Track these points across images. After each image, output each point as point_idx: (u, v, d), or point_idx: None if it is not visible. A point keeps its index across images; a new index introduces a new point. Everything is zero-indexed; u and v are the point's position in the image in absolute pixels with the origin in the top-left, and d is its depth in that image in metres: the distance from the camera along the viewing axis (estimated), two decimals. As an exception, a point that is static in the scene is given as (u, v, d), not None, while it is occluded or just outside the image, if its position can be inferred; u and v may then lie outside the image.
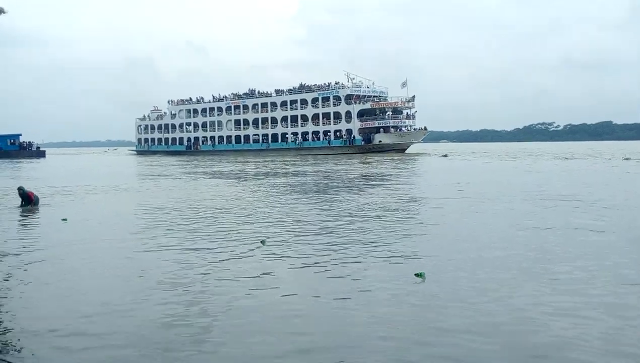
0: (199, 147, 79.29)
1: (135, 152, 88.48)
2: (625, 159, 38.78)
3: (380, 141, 61.98)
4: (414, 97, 63.43)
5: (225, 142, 77.17)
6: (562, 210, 12.72)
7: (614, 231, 9.97)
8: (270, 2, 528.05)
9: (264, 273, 7.22)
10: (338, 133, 65.44)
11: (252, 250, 8.72)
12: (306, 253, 8.46)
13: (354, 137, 63.39)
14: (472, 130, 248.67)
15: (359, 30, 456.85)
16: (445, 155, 51.31)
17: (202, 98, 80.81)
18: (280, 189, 20.02)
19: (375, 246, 8.89)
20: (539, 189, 17.94)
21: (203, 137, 79.76)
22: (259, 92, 74.73)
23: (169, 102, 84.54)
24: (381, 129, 62.25)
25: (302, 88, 70.09)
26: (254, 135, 73.86)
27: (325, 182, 23.74)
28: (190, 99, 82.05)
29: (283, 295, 6.25)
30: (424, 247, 8.74)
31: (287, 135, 70.33)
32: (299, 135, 68.94)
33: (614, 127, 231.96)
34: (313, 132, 67.69)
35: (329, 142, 65.73)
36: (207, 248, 8.90)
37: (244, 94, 75.99)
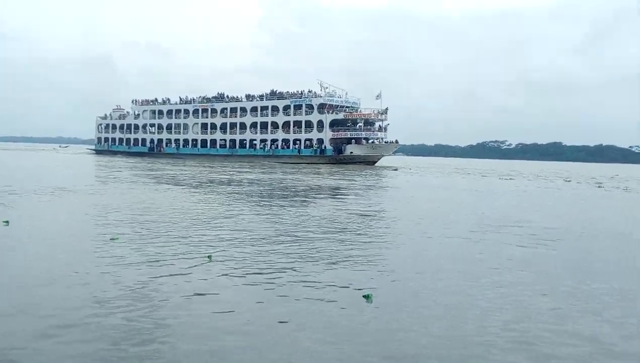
0: (162, 149, 76.08)
1: (94, 151, 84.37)
2: (566, 180, 39.41)
3: (351, 152, 60.41)
4: (387, 109, 62.22)
5: (190, 146, 74.23)
6: (495, 236, 12.47)
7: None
8: (235, 7, 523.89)
9: (203, 293, 6.90)
10: (309, 142, 63.53)
11: (196, 266, 8.30)
12: (251, 270, 8.21)
13: (325, 147, 61.50)
14: (427, 144, 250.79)
15: (325, 41, 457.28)
16: (395, 169, 52.61)
17: (168, 99, 77.65)
18: (235, 198, 19.47)
19: (323, 264, 8.78)
20: (477, 211, 17.99)
21: (167, 139, 76.59)
22: (228, 97, 72.06)
23: (132, 101, 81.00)
24: (353, 140, 60.69)
25: (274, 94, 67.95)
26: (221, 140, 71.16)
27: (284, 192, 23.00)
28: (156, 99, 78.76)
29: (217, 312, 6.13)
30: (371, 269, 8.61)
31: (255, 142, 67.94)
32: (268, 142, 66.69)
33: (564, 148, 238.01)
34: (283, 140, 65.59)
35: (298, 151, 63.75)
36: (148, 262, 8.45)
37: (213, 97, 73.25)
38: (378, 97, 61.53)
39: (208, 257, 8.83)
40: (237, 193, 21.61)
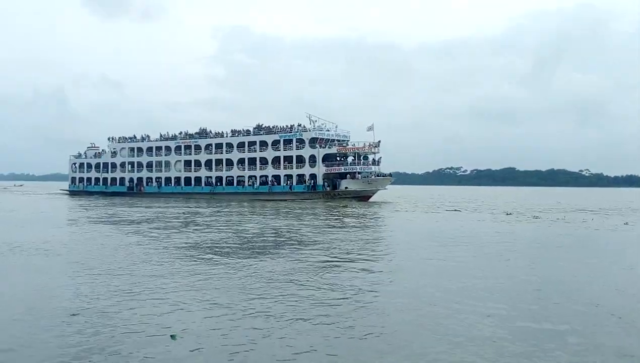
0: (142, 188, 70.98)
1: (68, 192, 78.33)
2: (507, 214, 38.93)
3: (346, 187, 57.19)
4: (379, 142, 59.35)
5: (173, 184, 69.48)
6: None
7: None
8: (189, 41, 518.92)
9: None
10: (300, 178, 59.84)
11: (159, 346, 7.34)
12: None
13: (318, 182, 57.98)
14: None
15: (276, 73, 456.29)
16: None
17: (147, 136, 73.05)
18: (214, 248, 17.68)
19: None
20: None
21: (147, 177, 71.55)
22: (211, 132, 68.03)
23: (109, 139, 75.78)
24: (348, 175, 57.43)
25: (261, 129, 64.29)
26: (206, 177, 66.68)
27: (272, 238, 21.36)
28: (135, 136, 73.94)
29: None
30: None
31: (243, 179, 63.87)
32: (257, 179, 62.74)
33: (517, 173, 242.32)
34: (273, 176, 61.71)
35: (290, 187, 59.96)
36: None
37: (195, 133, 69.02)
38: (370, 128, 58.70)
39: (171, 336, 7.77)
40: (219, 241, 19.37)
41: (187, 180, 68.14)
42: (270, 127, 63.88)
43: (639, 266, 15.65)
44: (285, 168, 60.98)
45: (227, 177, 65.29)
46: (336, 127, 62.23)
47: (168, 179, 69.88)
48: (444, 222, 31.25)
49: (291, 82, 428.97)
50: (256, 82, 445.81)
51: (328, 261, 15.11)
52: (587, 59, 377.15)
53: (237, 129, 66.42)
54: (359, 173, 57.79)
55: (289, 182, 60.64)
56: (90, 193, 73.33)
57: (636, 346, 7.88)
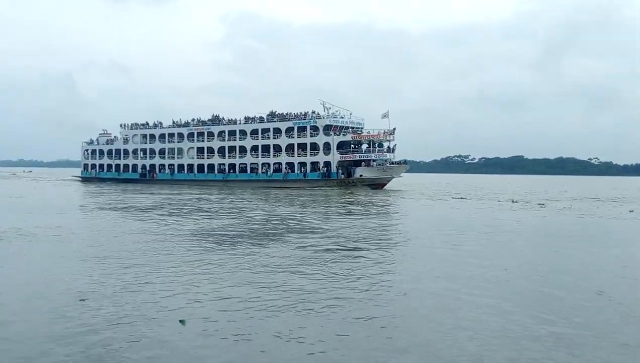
0: (155, 175, 70.33)
1: (80, 179, 77.83)
2: (513, 201, 39.23)
3: (361, 175, 56.30)
4: (394, 129, 58.35)
5: (185, 171, 68.80)
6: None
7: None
8: (197, 26, 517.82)
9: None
10: (314, 165, 58.97)
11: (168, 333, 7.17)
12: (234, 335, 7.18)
13: (333, 170, 57.09)
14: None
15: (284, 59, 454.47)
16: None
17: (160, 123, 72.18)
18: (225, 237, 16.97)
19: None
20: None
21: (160, 164, 70.90)
22: (224, 119, 67.12)
23: (121, 125, 75.04)
24: (362, 163, 56.52)
25: (274, 116, 63.33)
26: (219, 164, 65.90)
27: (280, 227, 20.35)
28: (147, 123, 73.13)
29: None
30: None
31: (256, 166, 63.05)
32: (271, 166, 61.92)
33: (525, 162, 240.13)
34: (287, 163, 60.86)
35: (304, 175, 59.14)
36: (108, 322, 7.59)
37: (208, 120, 68.14)
38: (385, 116, 57.67)
39: (180, 321, 7.72)
40: (230, 229, 18.70)
41: (200, 167, 67.43)
42: (284, 114, 62.86)
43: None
44: (299, 155, 60.13)
45: (240, 164, 64.54)
46: (350, 114, 61.25)
47: (181, 166, 69.19)
48: (454, 210, 30.83)
49: (299, 67, 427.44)
50: (264, 68, 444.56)
51: (337, 249, 14.90)
52: (597, 45, 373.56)
53: (247, 115, 65.87)
54: (373, 160, 56.93)
55: (302, 169, 59.81)
56: (102, 180, 72.79)
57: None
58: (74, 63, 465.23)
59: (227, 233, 18.06)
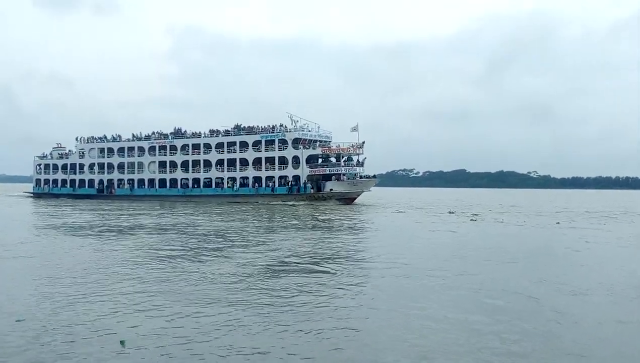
0: (113, 190, 66.19)
1: (31, 194, 72.46)
2: (449, 212, 41.08)
3: (331, 189, 54.35)
4: (363, 143, 56.84)
5: (146, 186, 64.96)
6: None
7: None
8: (143, 38, 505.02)
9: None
10: (283, 179, 56.59)
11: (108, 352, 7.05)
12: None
13: (303, 184, 54.89)
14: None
15: (232, 72, 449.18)
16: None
17: (119, 136, 68.17)
18: (172, 252, 16.70)
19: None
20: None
21: (119, 179, 66.71)
22: (186, 132, 63.88)
23: (77, 139, 70.46)
24: (333, 177, 54.59)
25: (240, 129, 60.68)
26: (182, 179, 62.47)
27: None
28: (105, 136, 68.90)
29: None
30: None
31: (222, 180, 60.05)
32: (237, 181, 59.07)
33: (468, 175, 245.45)
34: (254, 178, 58.21)
35: (272, 189, 56.63)
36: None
37: (170, 133, 64.65)
38: (354, 129, 56.17)
39: (121, 342, 7.40)
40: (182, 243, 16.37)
41: (162, 182, 63.80)
42: (251, 127, 60.38)
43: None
44: (267, 169, 57.67)
45: (204, 178, 61.39)
46: (318, 127, 59.35)
47: (141, 181, 65.36)
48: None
49: (247, 81, 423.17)
50: (211, 81, 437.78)
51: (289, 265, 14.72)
52: (536, 63, 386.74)
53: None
54: (343, 174, 55.11)
55: (270, 183, 57.27)
56: (56, 196, 67.96)
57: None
58: (12, 74, 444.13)
59: (181, 249, 17.56)
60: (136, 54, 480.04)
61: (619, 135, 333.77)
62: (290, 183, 55.99)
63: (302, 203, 52.36)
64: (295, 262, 15.06)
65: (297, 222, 30.20)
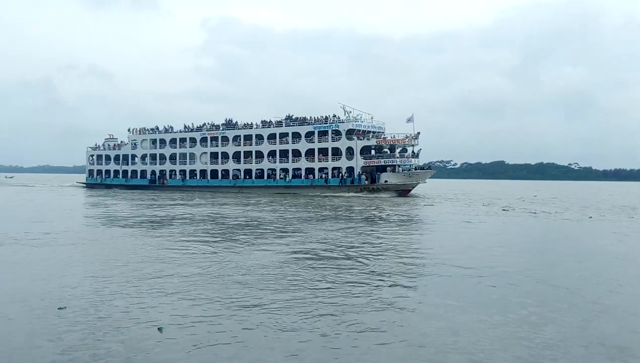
0: (165, 181, 65.62)
1: (84, 185, 72.50)
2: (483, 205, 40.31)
3: (386, 181, 52.42)
4: (419, 133, 54.74)
5: (198, 177, 64.14)
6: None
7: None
8: (179, 32, 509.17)
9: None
10: (336, 171, 54.80)
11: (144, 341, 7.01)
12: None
13: (357, 175, 53.00)
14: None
15: (265, 64, 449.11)
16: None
17: (171, 127, 67.71)
18: (217, 240, 17.14)
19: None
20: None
21: (171, 170, 66.13)
22: (244, 124, 62.58)
23: (129, 130, 70.32)
24: (388, 168, 52.54)
25: (293, 120, 59.17)
26: (234, 170, 61.33)
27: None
28: (157, 128, 68.38)
29: None
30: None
31: (274, 172, 58.62)
32: (289, 172, 57.54)
33: (506, 167, 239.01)
34: (307, 169, 56.63)
35: (325, 181, 54.93)
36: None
37: (222, 124, 63.60)
38: (409, 120, 53.98)
39: (158, 328, 7.51)
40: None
41: (214, 173, 62.92)
42: (304, 118, 58.85)
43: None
44: (320, 160, 56.01)
45: (256, 169, 60.13)
46: (372, 118, 57.51)
47: (193, 172, 64.64)
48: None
49: (281, 73, 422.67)
50: (245, 74, 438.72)
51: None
52: (576, 53, 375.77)
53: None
54: (399, 166, 53.02)
55: (323, 175, 55.60)
56: (109, 186, 67.98)
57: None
58: (53, 69, 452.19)
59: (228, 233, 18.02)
60: (172, 47, 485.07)
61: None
62: (343, 174, 54.25)
63: (357, 194, 50.72)
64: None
65: (364, 216, 29.08)
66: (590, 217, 29.92)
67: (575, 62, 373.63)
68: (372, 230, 20.87)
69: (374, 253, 14.78)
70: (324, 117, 57.20)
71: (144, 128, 69.13)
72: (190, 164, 64.75)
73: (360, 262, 13.33)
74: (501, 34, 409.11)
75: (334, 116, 56.65)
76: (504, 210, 34.40)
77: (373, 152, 55.78)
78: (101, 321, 7.84)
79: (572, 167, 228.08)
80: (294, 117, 59.77)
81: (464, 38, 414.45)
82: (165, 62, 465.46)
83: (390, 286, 10.70)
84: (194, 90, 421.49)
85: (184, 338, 7.10)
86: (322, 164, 56.10)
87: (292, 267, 12.46)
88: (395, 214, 30.00)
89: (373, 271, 12.13)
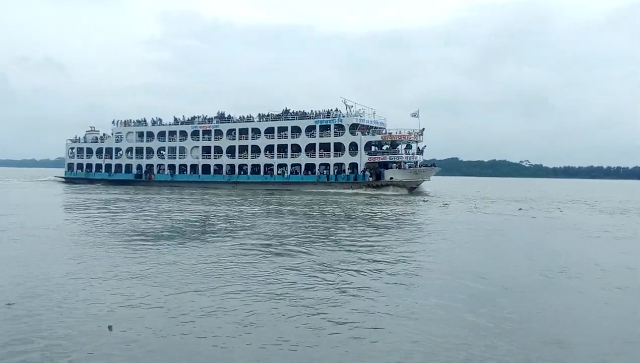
0: (152, 176, 60.02)
1: (63, 180, 65.67)
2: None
3: (391, 178, 48.76)
4: (423, 129, 51.63)
5: (188, 172, 58.85)
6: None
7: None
8: (136, 25, 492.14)
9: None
10: (339, 167, 50.71)
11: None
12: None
13: (362, 171, 49.06)
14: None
15: (225, 59, 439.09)
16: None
17: (159, 120, 61.89)
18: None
19: None
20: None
21: (159, 164, 60.51)
22: (239, 117, 57.63)
23: (113, 122, 64.06)
24: (393, 165, 48.79)
25: (292, 114, 54.51)
26: (228, 165, 56.41)
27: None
28: (144, 120, 62.44)
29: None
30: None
31: (272, 167, 53.95)
32: (288, 168, 53.04)
33: (460, 164, 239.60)
34: (307, 165, 52.29)
35: (327, 177, 50.68)
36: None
37: (215, 117, 58.38)
38: (414, 115, 50.61)
39: (109, 327, 6.90)
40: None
41: (206, 168, 57.90)
42: (304, 112, 54.49)
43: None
44: (321, 156, 51.79)
45: (252, 165, 55.31)
46: (374, 113, 53.68)
47: (183, 167, 59.43)
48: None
49: (241, 68, 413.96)
50: (205, 67, 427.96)
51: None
52: (532, 54, 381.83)
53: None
54: (404, 162, 49.39)
55: (325, 171, 51.42)
56: (90, 181, 61.84)
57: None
58: (7, 59, 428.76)
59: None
60: (130, 40, 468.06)
61: (612, 126, 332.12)
62: (346, 170, 50.21)
63: (362, 191, 46.75)
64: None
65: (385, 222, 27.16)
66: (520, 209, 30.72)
67: (530, 62, 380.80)
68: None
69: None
70: (326, 111, 52.98)
71: (129, 120, 63.25)
72: (180, 158, 59.44)
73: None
74: (459, 33, 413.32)
75: (336, 110, 52.54)
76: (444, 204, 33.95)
77: (374, 148, 52.01)
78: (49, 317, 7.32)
79: (524, 164, 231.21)
80: (291, 111, 55.28)
81: (423, 36, 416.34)
82: (122, 55, 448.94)
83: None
84: (151, 84, 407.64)
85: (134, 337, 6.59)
86: (324, 160, 52.04)
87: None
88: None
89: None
